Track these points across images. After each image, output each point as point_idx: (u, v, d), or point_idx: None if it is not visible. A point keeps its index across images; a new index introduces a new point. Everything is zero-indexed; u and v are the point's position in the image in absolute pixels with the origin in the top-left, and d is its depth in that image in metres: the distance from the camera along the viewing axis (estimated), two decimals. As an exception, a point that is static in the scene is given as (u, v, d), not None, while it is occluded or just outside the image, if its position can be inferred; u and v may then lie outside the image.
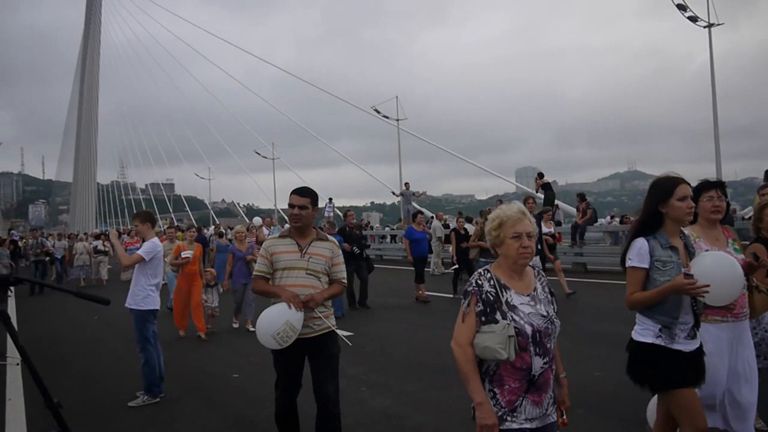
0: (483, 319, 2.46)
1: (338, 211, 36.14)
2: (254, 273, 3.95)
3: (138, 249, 6.27)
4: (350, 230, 11.80)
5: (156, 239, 6.20)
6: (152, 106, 75.92)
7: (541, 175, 18.60)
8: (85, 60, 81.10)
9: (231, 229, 32.37)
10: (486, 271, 2.56)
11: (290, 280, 3.77)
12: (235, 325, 9.94)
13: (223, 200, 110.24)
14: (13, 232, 29.32)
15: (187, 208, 66.61)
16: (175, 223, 44.04)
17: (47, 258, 18.86)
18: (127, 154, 78.87)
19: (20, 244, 20.29)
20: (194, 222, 54.86)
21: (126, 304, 5.98)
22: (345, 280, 3.98)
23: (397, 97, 33.10)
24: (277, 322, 3.56)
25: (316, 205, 3.88)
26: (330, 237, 4.01)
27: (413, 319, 10.45)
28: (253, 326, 8.60)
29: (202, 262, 10.66)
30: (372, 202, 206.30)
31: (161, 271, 6.35)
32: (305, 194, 3.83)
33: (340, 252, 3.97)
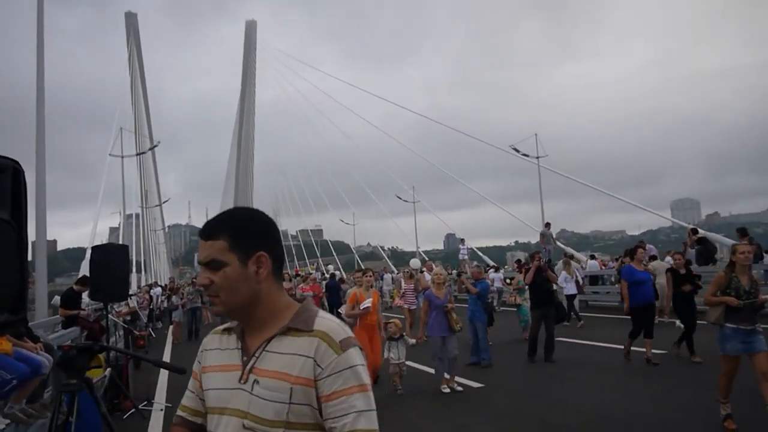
0: None
1: (479, 252, 35.69)
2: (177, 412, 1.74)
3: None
4: (541, 275, 10.43)
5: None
6: (301, 157, 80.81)
7: (695, 231, 18.14)
8: (242, 120, 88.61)
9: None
10: None
11: None
12: (445, 390, 8.22)
13: (368, 244, 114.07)
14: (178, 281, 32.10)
15: (334, 254, 69.29)
16: (322, 268, 45.77)
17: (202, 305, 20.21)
18: (279, 203, 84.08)
19: (181, 291, 21.84)
20: (340, 266, 56.79)
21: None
22: None
23: (536, 134, 32.44)
24: None
25: (253, 247, 1.51)
26: (329, 322, 1.53)
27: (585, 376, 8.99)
28: (459, 386, 8.26)
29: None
30: (516, 242, 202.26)
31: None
32: (209, 234, 1.53)
33: (354, 357, 1.47)
